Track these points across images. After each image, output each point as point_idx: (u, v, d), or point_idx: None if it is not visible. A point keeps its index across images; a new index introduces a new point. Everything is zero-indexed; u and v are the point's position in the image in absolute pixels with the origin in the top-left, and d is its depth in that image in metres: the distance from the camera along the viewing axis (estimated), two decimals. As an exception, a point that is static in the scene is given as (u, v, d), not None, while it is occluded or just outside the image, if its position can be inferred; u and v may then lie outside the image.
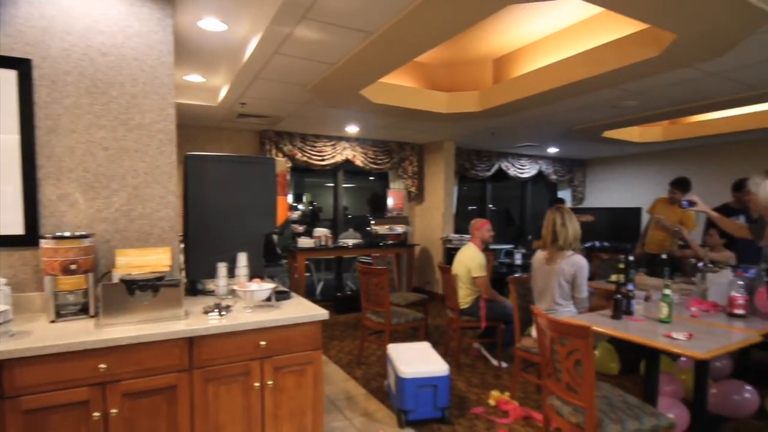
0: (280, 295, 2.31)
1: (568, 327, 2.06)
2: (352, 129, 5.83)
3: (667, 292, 2.61)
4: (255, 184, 2.46)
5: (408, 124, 5.51)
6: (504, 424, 2.95)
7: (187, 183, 2.31)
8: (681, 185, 4.55)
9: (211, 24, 2.88)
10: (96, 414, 1.69)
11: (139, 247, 2.25)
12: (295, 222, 5.87)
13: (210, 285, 2.46)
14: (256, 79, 3.65)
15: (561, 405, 2.19)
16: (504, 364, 3.99)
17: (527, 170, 8.12)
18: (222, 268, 2.27)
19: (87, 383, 1.68)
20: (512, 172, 7.95)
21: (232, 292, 2.29)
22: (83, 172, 2.16)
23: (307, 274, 6.98)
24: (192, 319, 1.95)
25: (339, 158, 6.29)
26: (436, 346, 3.68)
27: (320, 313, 2.14)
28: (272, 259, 2.74)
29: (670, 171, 7.24)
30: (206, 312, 2.04)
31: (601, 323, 2.61)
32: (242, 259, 2.26)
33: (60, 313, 1.91)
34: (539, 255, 3.27)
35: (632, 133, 6.26)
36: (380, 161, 6.66)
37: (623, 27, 3.20)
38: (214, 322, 1.92)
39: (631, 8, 2.46)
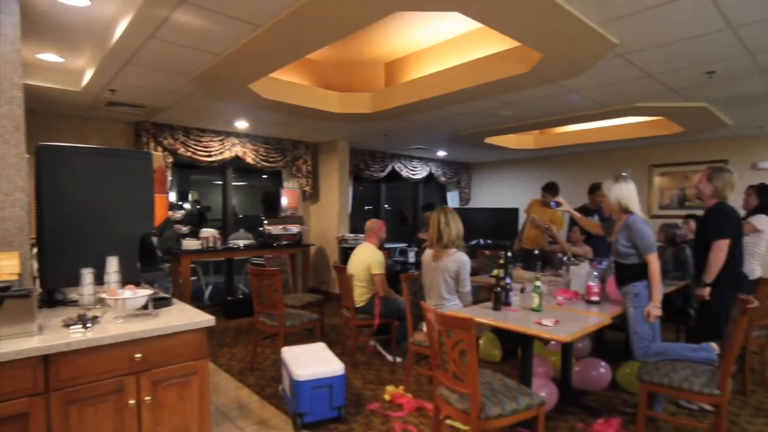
0: (159, 302, 2.11)
1: (453, 320, 2.18)
2: (241, 124, 5.55)
3: (538, 283, 2.91)
4: (128, 180, 2.22)
5: (301, 122, 5.41)
6: (398, 417, 3.03)
7: (41, 178, 2.00)
8: (550, 189, 5.15)
9: (70, -3, 2.52)
10: None
11: (-23, 253, 1.88)
12: (178, 222, 5.42)
13: (74, 294, 2.17)
14: (128, 64, 3.29)
15: (449, 394, 2.31)
16: (398, 359, 4.11)
17: (419, 172, 8.49)
18: (87, 274, 2.02)
19: None
20: (405, 173, 8.24)
21: (101, 301, 2.04)
22: None
23: (194, 278, 6.52)
24: (48, 334, 1.69)
25: (228, 155, 5.95)
26: (332, 345, 3.67)
27: (205, 319, 1.99)
28: (151, 263, 2.50)
29: (541, 175, 8.10)
30: (67, 325, 1.78)
31: (484, 315, 2.81)
32: (112, 263, 2.02)
33: None
34: (427, 253, 3.42)
35: (509, 141, 6.87)
36: (273, 159, 6.45)
37: (501, 42, 3.48)
38: (76, 336, 1.68)
39: (503, 26, 2.68)
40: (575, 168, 7.87)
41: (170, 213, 5.18)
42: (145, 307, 1.98)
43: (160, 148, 5.36)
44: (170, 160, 5.45)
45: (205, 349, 2.02)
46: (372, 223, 4.32)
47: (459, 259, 3.25)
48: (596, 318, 2.80)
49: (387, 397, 3.34)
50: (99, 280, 2.11)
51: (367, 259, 4.03)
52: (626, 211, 2.91)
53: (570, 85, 3.79)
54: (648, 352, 2.78)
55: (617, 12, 2.49)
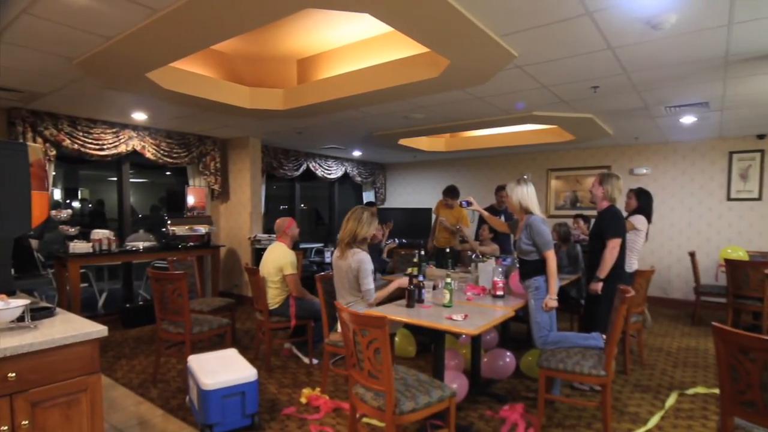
0: (38, 313, 1.86)
1: (367, 318, 2.19)
2: (139, 116, 5.09)
3: (449, 280, 3.03)
4: (-3, 174, 1.93)
5: (208, 116, 5.09)
6: (315, 420, 2.98)
7: None
8: (451, 192, 5.41)
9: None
10: None
11: None
12: (64, 223, 4.85)
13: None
14: (-4, 40, 2.87)
15: (364, 392, 2.32)
16: (315, 361, 4.05)
17: (334, 171, 8.45)
18: (-57, 284, 1.72)
19: None
20: (320, 172, 8.16)
21: (-38, 316, 1.75)
22: None
23: (85, 285, 5.87)
24: None
25: (123, 148, 5.42)
26: (246, 350, 3.51)
27: (95, 330, 1.80)
28: (29, 268, 2.22)
29: (452, 177, 8.48)
30: None
31: (398, 312, 2.87)
32: (-22, 270, 1.75)
33: None
34: (336, 252, 3.39)
35: (422, 143, 7.09)
36: (176, 155, 6.01)
37: (414, 47, 3.56)
38: (-72, 358, 1.43)
39: (411, 31, 2.75)
40: (483, 170, 8.35)
41: (53, 212, 4.61)
42: (21, 319, 1.73)
43: (40, 139, 4.74)
44: (53, 152, 4.84)
45: (97, 362, 1.82)
46: (281, 222, 4.20)
47: (359, 258, 3.20)
48: (501, 311, 2.98)
49: (303, 400, 3.27)
50: (-40, 290, 1.82)
51: (278, 259, 3.92)
52: (527, 211, 3.13)
53: (476, 92, 4.00)
54: (547, 340, 3.02)
55: (514, 26, 2.68)
